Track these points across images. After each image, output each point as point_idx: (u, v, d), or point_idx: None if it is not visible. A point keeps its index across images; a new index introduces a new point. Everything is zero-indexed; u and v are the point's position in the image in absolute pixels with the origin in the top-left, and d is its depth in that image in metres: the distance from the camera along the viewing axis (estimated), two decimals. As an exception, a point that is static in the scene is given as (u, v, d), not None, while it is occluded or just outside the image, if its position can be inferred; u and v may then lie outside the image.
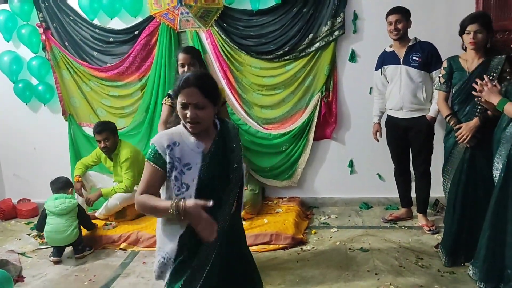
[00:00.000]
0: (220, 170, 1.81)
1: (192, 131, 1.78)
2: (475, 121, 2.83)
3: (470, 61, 2.93)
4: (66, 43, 4.62)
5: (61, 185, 3.89)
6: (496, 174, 2.56)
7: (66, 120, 4.80)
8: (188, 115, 1.73)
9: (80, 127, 4.81)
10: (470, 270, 2.83)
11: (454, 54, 3.09)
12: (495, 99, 2.48)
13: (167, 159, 1.74)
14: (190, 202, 1.65)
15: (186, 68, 2.97)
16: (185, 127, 1.82)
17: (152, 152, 1.77)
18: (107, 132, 4.00)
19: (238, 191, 1.90)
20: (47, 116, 4.85)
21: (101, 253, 3.76)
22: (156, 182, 1.78)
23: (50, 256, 3.64)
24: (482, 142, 2.81)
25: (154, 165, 1.76)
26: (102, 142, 3.99)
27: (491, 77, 2.73)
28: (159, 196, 1.83)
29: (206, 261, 1.79)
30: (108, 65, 4.56)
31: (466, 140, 2.85)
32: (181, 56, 3.01)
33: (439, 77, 3.13)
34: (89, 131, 4.78)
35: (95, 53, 4.59)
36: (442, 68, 3.10)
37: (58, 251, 3.64)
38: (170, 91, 3.12)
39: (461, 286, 2.82)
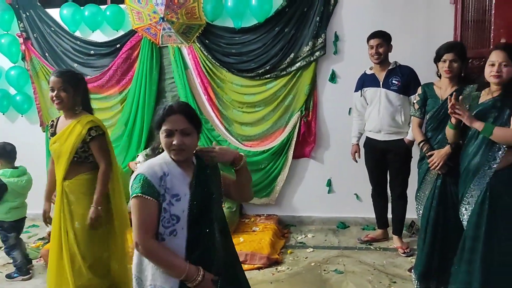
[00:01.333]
0: (206, 202, 1.76)
1: (177, 158, 1.73)
2: (446, 148, 2.86)
3: (444, 88, 2.97)
4: (47, 54, 4.59)
5: (15, 154, 3.59)
6: (470, 202, 2.57)
7: (44, 131, 4.74)
8: (174, 142, 1.69)
9: (57, 139, 4.75)
10: None
11: (433, 78, 3.13)
12: (479, 125, 2.46)
13: (161, 191, 1.66)
14: (209, 278, 1.67)
15: (55, 93, 2.59)
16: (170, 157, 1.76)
17: (144, 183, 1.65)
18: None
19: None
20: (25, 127, 4.78)
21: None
22: (155, 217, 1.65)
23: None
24: (453, 169, 2.83)
25: (149, 198, 1.64)
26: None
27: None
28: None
29: None
30: (88, 77, 4.52)
31: (438, 167, 2.89)
32: (51, 79, 2.62)
33: (414, 103, 3.17)
34: (67, 142, 4.74)
35: (75, 65, 4.56)
36: (416, 94, 3.14)
37: (26, 266, 3.56)
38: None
39: (432, 312, 2.84)
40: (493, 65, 2.47)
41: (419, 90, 3.12)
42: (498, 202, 2.46)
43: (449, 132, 2.73)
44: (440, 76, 3.04)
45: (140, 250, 1.65)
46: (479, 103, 2.60)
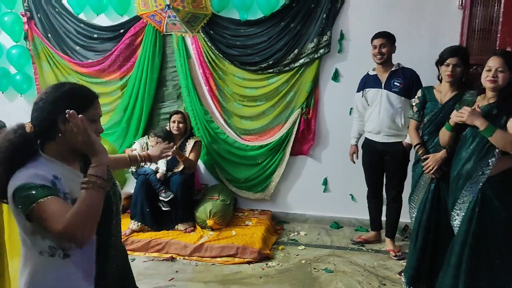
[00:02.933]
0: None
1: None
2: (442, 153, 2.84)
3: (443, 93, 2.95)
4: (49, 35, 4.55)
5: None
6: (462, 207, 2.56)
7: (42, 113, 4.71)
8: (99, 130, 1.54)
9: (56, 121, 4.72)
10: None
11: (436, 83, 3.11)
12: (481, 123, 2.41)
13: (60, 194, 1.39)
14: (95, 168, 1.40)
15: None
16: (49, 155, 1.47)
17: (37, 188, 1.34)
18: None
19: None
20: (23, 107, 4.72)
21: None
22: (64, 205, 1.37)
23: None
24: (447, 174, 2.81)
25: (47, 198, 1.33)
26: None
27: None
28: None
29: None
30: (90, 61, 4.50)
31: (432, 172, 2.87)
32: None
33: (412, 105, 3.14)
34: (65, 125, 4.71)
35: (77, 48, 4.53)
36: (416, 97, 3.12)
37: None
38: None
39: (420, 316, 2.83)
40: (489, 70, 2.47)
41: (419, 93, 3.10)
42: (489, 208, 2.47)
43: (444, 134, 2.69)
44: (440, 80, 3.02)
45: (65, 232, 1.30)
46: None
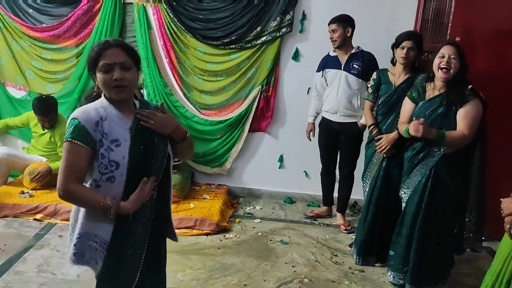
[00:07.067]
0: (147, 150, 1.69)
1: (119, 97, 1.65)
2: (394, 133, 3.03)
3: (397, 75, 3.14)
4: (-1, -5, 4.29)
5: None
6: (410, 186, 2.78)
7: (-10, 78, 4.47)
8: (115, 77, 1.60)
9: (3, 87, 4.49)
10: (390, 276, 3.00)
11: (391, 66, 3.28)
12: (432, 136, 2.59)
13: (97, 137, 1.60)
14: (128, 204, 1.63)
15: None
16: (106, 99, 1.68)
17: (77, 129, 1.58)
18: (53, 115, 3.90)
19: (160, 178, 1.77)
20: (-31, 72, 4.48)
21: (14, 222, 3.57)
22: (83, 164, 1.61)
23: None
24: (397, 153, 3.01)
25: (79, 143, 1.58)
26: (47, 122, 3.88)
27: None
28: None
29: (141, 246, 1.72)
30: (44, 25, 4.30)
31: (385, 151, 3.06)
32: None
33: (368, 87, 3.31)
34: (13, 92, 4.52)
35: (30, 11, 4.30)
36: (371, 79, 3.28)
37: None
38: None
39: (368, 284, 3.04)
40: (442, 57, 2.63)
41: (374, 75, 3.27)
42: (439, 182, 2.68)
43: (402, 136, 2.86)
44: (394, 63, 3.20)
45: (60, 194, 1.62)
46: (426, 98, 2.76)
